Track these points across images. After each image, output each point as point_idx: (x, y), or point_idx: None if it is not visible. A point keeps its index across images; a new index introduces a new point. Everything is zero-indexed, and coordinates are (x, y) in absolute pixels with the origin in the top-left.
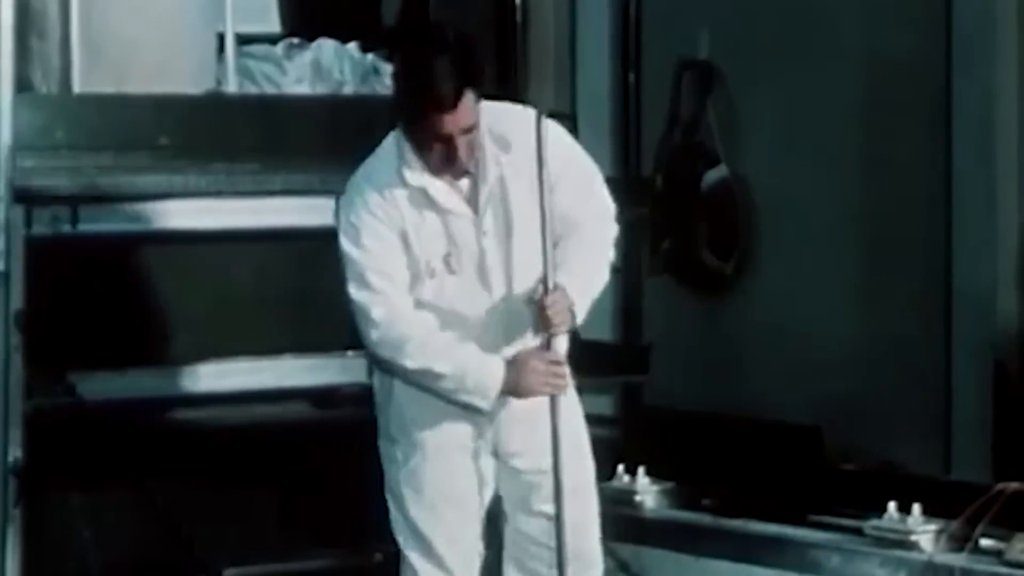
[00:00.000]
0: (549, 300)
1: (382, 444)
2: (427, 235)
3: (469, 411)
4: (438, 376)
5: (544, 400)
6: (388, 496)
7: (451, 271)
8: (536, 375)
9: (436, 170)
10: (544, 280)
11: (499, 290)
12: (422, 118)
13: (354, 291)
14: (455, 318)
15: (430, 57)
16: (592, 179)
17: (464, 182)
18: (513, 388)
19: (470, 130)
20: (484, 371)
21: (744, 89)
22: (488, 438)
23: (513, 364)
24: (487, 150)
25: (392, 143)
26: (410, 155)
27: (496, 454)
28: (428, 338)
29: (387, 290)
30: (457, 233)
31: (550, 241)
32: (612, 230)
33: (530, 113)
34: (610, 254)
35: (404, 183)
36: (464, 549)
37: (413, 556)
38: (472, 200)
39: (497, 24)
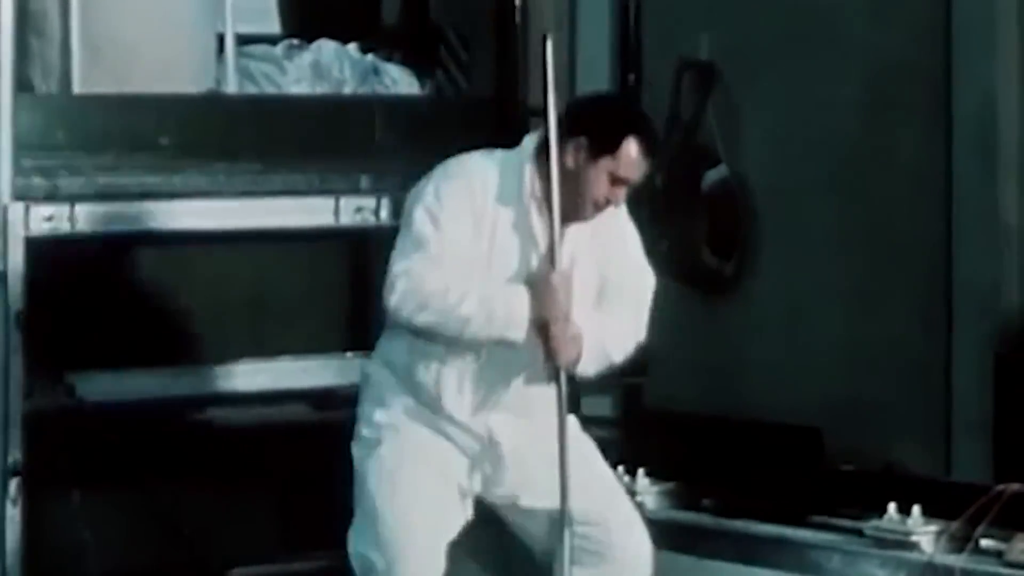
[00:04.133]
0: (555, 279)
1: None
2: (507, 251)
3: (502, 346)
4: (465, 320)
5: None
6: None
7: None
8: (558, 292)
9: (565, 206)
10: (551, 256)
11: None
12: (625, 153)
13: (398, 257)
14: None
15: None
16: (647, 295)
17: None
18: (539, 311)
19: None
20: (510, 301)
21: (744, 89)
22: (474, 476)
23: (533, 287)
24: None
25: (517, 160)
26: (533, 177)
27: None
28: (450, 288)
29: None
30: (533, 265)
31: (557, 220)
32: (641, 334)
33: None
34: (628, 345)
35: (519, 198)
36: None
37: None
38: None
39: (497, 24)
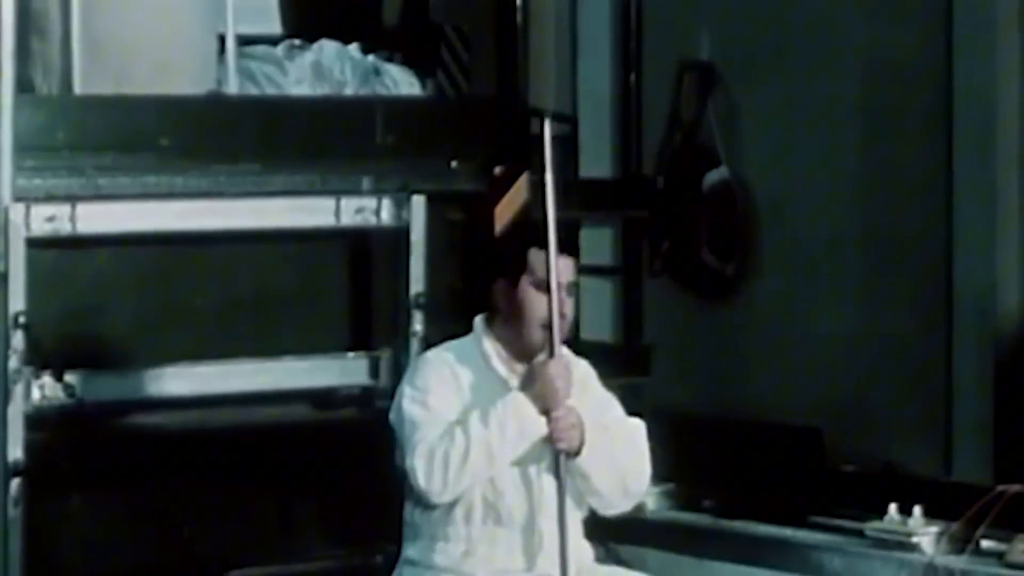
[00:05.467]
0: (552, 368)
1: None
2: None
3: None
4: (486, 448)
5: None
6: None
7: (511, 462)
8: (556, 380)
9: (528, 343)
10: (550, 347)
11: (544, 481)
12: (538, 261)
13: (407, 454)
14: (500, 507)
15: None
16: (643, 436)
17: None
18: (540, 401)
19: (569, 290)
20: (512, 411)
21: (744, 89)
22: None
23: (529, 382)
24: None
25: (473, 337)
26: (494, 346)
27: None
28: (452, 437)
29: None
30: None
31: (555, 297)
32: (648, 468)
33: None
34: (639, 462)
35: (486, 368)
36: None
37: None
38: None
39: (497, 24)
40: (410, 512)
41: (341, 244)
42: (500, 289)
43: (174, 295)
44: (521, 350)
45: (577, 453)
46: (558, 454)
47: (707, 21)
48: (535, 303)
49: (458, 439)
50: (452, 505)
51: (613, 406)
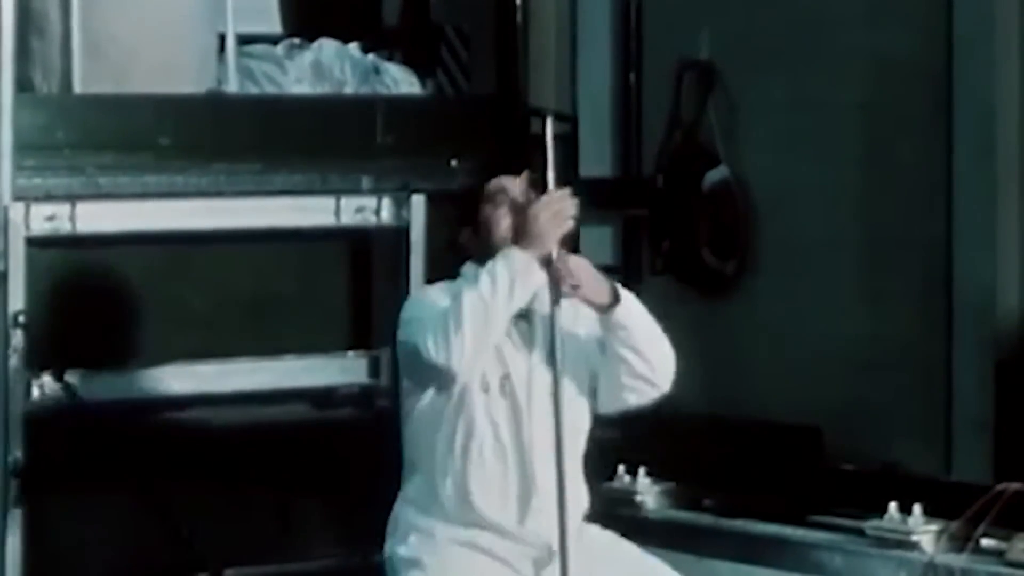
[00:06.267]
0: (539, 206)
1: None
2: (490, 353)
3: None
4: (481, 299)
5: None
6: None
7: (504, 395)
8: (545, 219)
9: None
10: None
11: (540, 418)
12: (492, 187)
13: (420, 341)
14: (496, 439)
15: None
16: None
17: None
18: (539, 246)
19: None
20: (502, 260)
21: (744, 89)
22: None
23: (520, 224)
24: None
25: (461, 280)
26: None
27: None
28: (447, 304)
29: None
30: (511, 359)
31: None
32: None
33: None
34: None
35: None
36: None
37: None
38: (529, 334)
39: (497, 24)
40: (410, 449)
41: (341, 243)
42: (466, 235)
43: (174, 294)
44: None
45: (615, 302)
46: (556, 390)
47: (707, 21)
48: (497, 219)
49: (453, 303)
50: (451, 435)
51: None
